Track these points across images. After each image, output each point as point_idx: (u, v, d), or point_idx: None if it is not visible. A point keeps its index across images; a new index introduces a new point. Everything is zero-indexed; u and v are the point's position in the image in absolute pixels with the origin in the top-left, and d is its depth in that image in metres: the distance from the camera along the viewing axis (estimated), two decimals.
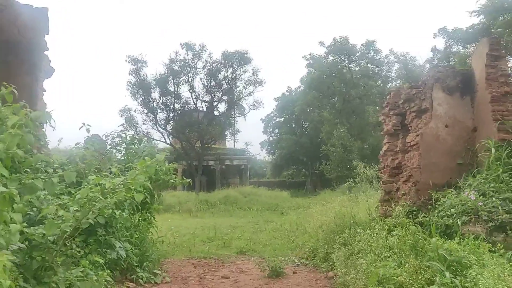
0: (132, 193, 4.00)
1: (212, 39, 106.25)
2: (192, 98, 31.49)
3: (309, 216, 12.62)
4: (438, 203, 6.13)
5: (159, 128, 30.88)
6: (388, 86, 34.23)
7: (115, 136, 7.13)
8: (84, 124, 6.85)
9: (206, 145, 31.68)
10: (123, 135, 7.14)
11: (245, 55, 30.79)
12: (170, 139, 32.57)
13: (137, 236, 6.23)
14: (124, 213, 5.40)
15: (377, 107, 33.37)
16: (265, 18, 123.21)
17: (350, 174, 27.74)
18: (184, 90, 31.31)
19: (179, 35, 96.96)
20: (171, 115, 31.00)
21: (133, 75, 29.14)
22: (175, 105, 31.04)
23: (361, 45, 33.19)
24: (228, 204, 25.76)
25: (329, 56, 33.52)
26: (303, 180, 51.56)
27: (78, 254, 4.46)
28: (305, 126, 49.14)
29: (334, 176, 28.55)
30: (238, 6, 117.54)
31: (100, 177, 4.11)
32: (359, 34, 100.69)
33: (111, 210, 5.28)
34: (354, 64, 34.18)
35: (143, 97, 29.80)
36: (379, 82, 36.23)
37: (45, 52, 5.94)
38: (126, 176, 4.06)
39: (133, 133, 7.80)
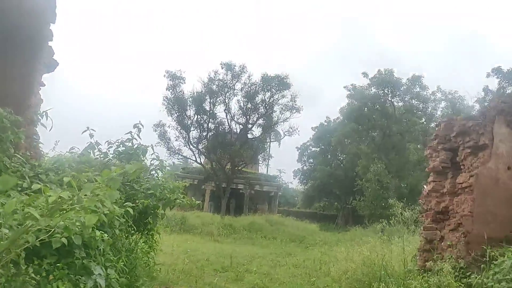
0: (89, 213, 3.11)
1: (253, 61, 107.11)
2: (227, 119, 30.98)
3: (334, 256, 11.39)
4: (495, 262, 4.89)
5: (191, 146, 30.45)
6: (432, 125, 32.51)
7: (119, 145, 6.37)
8: (88, 128, 6.16)
9: (236, 168, 30.87)
10: (129, 144, 6.35)
11: (285, 80, 30.10)
12: (201, 158, 32.04)
13: (123, 262, 5.31)
14: (105, 235, 4.50)
15: (419, 145, 31.63)
16: (309, 43, 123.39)
17: (384, 213, 26.11)
18: (220, 110, 30.88)
19: (219, 54, 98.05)
20: (204, 134, 30.53)
21: (170, 90, 29.02)
22: (209, 124, 30.58)
23: (407, 79, 31.83)
24: (252, 231, 24.64)
25: (372, 88, 32.27)
26: (334, 213, 49.80)
27: (32, 281, 3.58)
28: (341, 158, 47.73)
29: (367, 213, 26.84)
30: (280, 29, 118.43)
31: (49, 188, 3.26)
32: (406, 68, 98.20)
33: (90, 230, 4.42)
34: (397, 98, 32.74)
35: (178, 114, 29.55)
36: (423, 119, 34.48)
37: (49, 43, 5.35)
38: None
39: (148, 144, 6.99)
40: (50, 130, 5.67)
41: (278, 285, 9.49)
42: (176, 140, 30.31)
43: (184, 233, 22.56)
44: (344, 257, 7.10)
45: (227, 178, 30.41)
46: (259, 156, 33.80)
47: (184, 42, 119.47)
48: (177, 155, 30.75)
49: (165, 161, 7.17)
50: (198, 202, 6.98)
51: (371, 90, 32.32)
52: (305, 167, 51.67)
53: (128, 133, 6.42)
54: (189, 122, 29.98)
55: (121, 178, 3.22)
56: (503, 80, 25.50)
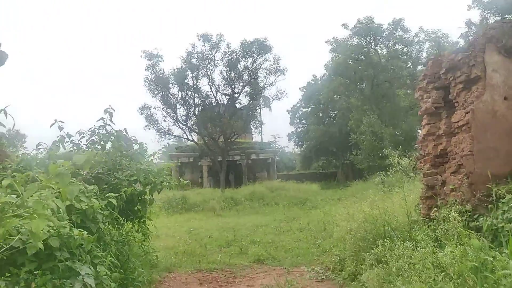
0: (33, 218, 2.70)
1: (230, 29, 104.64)
2: (212, 92, 30.29)
3: (336, 216, 11.20)
4: (502, 200, 4.60)
5: (180, 125, 29.86)
6: (419, 68, 31.98)
7: (91, 134, 5.92)
8: (56, 120, 5.70)
9: (229, 140, 30.47)
10: (102, 131, 5.90)
11: (265, 43, 29.27)
12: (193, 135, 31.55)
13: (113, 256, 4.97)
14: (84, 232, 4.13)
15: (408, 90, 31.25)
16: (282, 2, 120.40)
17: (383, 163, 25.95)
18: (204, 84, 30.17)
19: (194, 26, 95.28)
20: (192, 110, 29.89)
21: (150, 70, 28.17)
22: (195, 99, 29.91)
23: (388, 24, 30.92)
24: (254, 200, 24.53)
25: (354, 38, 31.38)
26: (334, 171, 49.91)
27: None
28: (333, 115, 47.36)
29: (365, 166, 26.72)
30: None
31: None
32: (385, 13, 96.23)
33: (68, 229, 4.07)
34: (381, 45, 31.95)
35: (161, 93, 28.82)
36: (409, 63, 33.89)
37: None
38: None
39: (119, 129, 6.48)
40: (13, 127, 5.24)
41: (283, 252, 9.31)
42: (164, 120, 29.73)
43: (186, 212, 22.39)
44: (345, 218, 6.78)
45: (221, 152, 30.06)
46: (250, 125, 33.31)
47: (156, 18, 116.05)
48: (167, 135, 30.20)
49: (146, 144, 6.72)
50: (187, 181, 6.62)
51: (353, 41, 31.49)
52: (298, 129, 51.37)
53: (99, 119, 5.96)
54: (174, 100, 29.30)
55: (87, 170, 2.79)
56: (485, 10, 24.81)
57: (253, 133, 37.56)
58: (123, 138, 6.06)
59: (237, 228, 14.62)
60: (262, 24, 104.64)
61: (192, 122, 30.25)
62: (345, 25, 31.19)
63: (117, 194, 5.20)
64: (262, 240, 11.08)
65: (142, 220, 6.55)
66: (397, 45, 31.62)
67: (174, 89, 29.21)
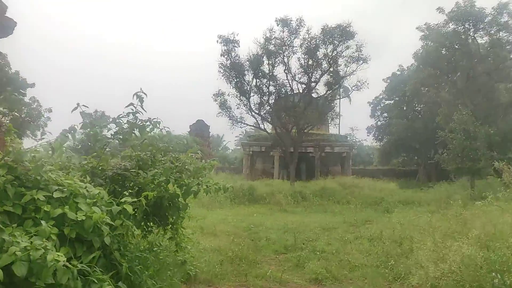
0: None
1: (310, 13, 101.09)
2: (288, 80, 28.88)
3: (417, 229, 9.48)
4: None
5: (253, 113, 28.97)
6: None
7: (120, 121, 4.97)
8: (78, 104, 4.83)
9: (303, 131, 29.02)
10: (130, 120, 4.92)
11: (348, 29, 27.16)
12: (264, 124, 30.57)
13: (120, 273, 3.97)
14: (61, 257, 3.12)
15: (510, 84, 27.35)
16: None
17: (474, 166, 22.91)
18: (280, 71, 28.84)
19: (272, 10, 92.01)
20: (265, 98, 28.82)
21: (225, 56, 27.49)
22: (270, 87, 28.77)
23: (492, 8, 27.09)
24: (324, 197, 23.02)
25: (450, 24, 27.88)
26: (414, 169, 46.49)
27: None
28: (419, 109, 43.77)
29: (453, 168, 23.78)
30: None
31: None
32: None
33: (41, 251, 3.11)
34: (481, 32, 28.12)
35: (236, 80, 28.10)
36: None
37: None
38: None
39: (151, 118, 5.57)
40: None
41: (347, 271, 7.85)
42: (237, 108, 29.01)
43: (252, 204, 21.56)
44: (431, 255, 5.13)
45: (293, 143, 28.75)
46: (327, 116, 31.47)
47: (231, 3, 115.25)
48: (239, 123, 29.50)
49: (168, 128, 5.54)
50: (229, 185, 5.48)
51: (449, 27, 28.04)
52: (379, 123, 48.37)
53: (128, 105, 4.97)
54: (248, 87, 28.44)
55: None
56: None
57: (329, 124, 35.63)
58: (144, 128, 5.02)
59: (300, 229, 13.38)
60: (346, 7, 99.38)
61: (265, 111, 29.21)
62: (440, 9, 27.86)
63: (133, 200, 4.17)
64: (325, 250, 9.70)
65: (174, 227, 5.54)
66: (500, 33, 27.61)
67: (248, 76, 28.35)
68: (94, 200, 3.82)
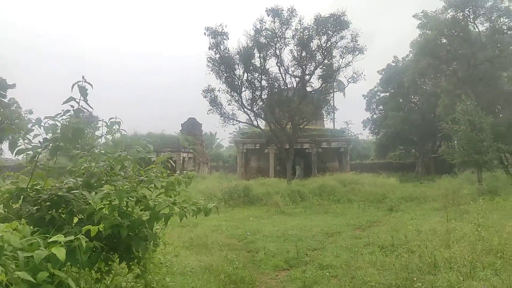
0: None
1: (302, 7, 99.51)
2: (281, 73, 27.41)
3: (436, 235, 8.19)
4: None
5: (245, 109, 27.50)
6: None
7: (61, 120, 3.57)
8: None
9: (298, 126, 27.65)
10: (67, 118, 3.49)
11: (342, 18, 25.78)
12: (258, 121, 29.11)
13: None
14: None
15: None
16: None
17: (481, 159, 21.73)
18: (272, 65, 27.41)
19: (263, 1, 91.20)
20: (258, 93, 27.35)
21: (214, 50, 25.98)
22: (262, 82, 27.30)
23: None
24: (323, 196, 21.70)
25: (449, 11, 26.75)
26: (412, 161, 45.52)
27: None
28: (415, 100, 42.68)
29: (459, 161, 22.56)
30: None
31: None
32: None
33: None
34: (482, 19, 26.97)
35: (226, 75, 26.60)
36: None
37: None
38: None
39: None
40: None
41: None
42: (228, 104, 27.49)
43: (247, 206, 20.20)
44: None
45: (288, 139, 27.38)
46: (322, 110, 30.11)
47: None
48: (231, 120, 27.98)
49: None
50: (213, 205, 4.03)
51: (448, 14, 26.88)
52: (375, 116, 47.29)
53: (66, 101, 3.48)
54: (239, 82, 26.97)
55: None
56: None
57: (324, 119, 34.34)
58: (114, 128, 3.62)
59: (301, 235, 12.04)
60: None
61: (258, 107, 27.74)
62: None
63: (67, 238, 2.73)
64: (333, 265, 8.35)
65: (141, 263, 4.12)
66: (502, 18, 26.47)
67: (239, 70, 26.85)
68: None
